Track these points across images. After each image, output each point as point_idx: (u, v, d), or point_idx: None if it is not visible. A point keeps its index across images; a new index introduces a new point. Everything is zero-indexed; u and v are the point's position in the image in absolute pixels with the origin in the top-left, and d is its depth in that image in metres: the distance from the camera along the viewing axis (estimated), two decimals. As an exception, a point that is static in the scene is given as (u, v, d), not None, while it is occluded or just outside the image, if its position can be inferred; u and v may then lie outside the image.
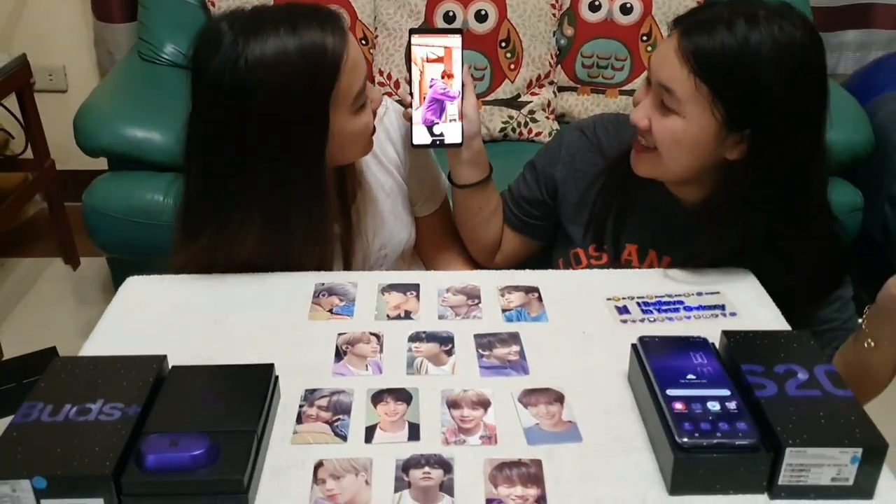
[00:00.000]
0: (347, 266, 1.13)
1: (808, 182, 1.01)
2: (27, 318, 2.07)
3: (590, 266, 1.17)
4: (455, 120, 1.11)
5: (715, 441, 0.70)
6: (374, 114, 1.08)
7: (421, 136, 1.12)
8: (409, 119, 1.12)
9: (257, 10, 0.98)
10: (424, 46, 1.10)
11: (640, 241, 1.13)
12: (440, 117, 1.11)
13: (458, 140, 1.12)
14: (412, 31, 1.11)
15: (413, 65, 1.10)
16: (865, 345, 0.98)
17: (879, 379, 1.00)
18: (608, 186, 1.15)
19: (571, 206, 1.19)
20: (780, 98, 0.94)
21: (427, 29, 1.07)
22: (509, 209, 1.26)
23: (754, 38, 0.93)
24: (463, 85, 1.11)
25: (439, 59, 1.10)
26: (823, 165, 1.03)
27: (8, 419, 0.72)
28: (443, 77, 1.11)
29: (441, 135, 1.12)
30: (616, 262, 1.15)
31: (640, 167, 1.07)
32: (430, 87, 1.11)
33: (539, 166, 1.23)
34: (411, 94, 1.11)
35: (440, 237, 1.32)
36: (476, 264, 1.30)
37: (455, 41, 1.10)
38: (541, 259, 1.28)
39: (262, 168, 0.98)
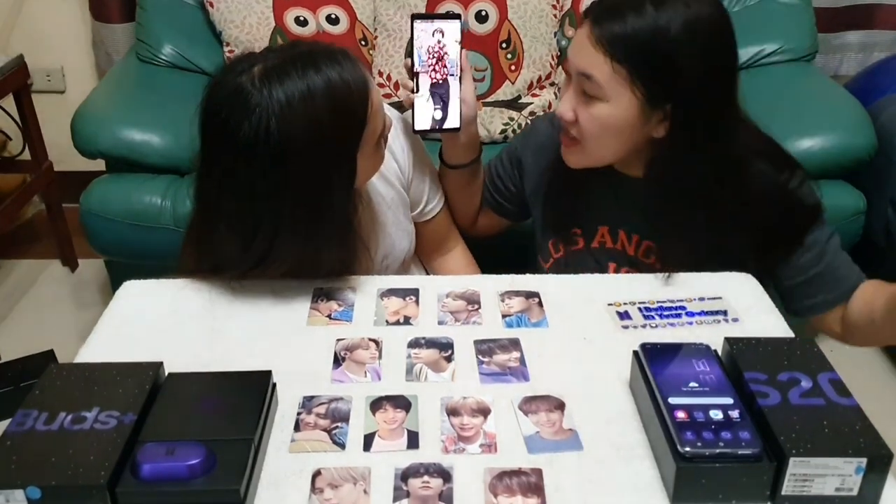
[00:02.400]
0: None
1: (730, 143, 1.04)
2: (25, 320, 2.06)
3: (554, 261, 1.20)
4: (454, 105, 1.13)
5: (717, 451, 0.69)
6: (386, 138, 1.07)
7: (422, 122, 1.14)
8: (411, 105, 1.12)
9: (276, 58, 0.93)
10: (425, 32, 1.12)
11: (609, 224, 1.15)
12: (440, 102, 1.13)
13: (457, 124, 1.14)
14: (414, 17, 1.12)
15: (414, 50, 1.12)
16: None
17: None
18: (556, 180, 1.18)
19: (535, 198, 1.24)
20: (694, 71, 0.98)
21: (428, 15, 1.10)
22: (485, 187, 1.32)
23: (663, 18, 0.96)
24: (461, 70, 1.12)
25: (439, 45, 1.12)
26: (739, 122, 1.06)
27: (6, 422, 0.72)
28: (442, 62, 1.12)
29: (441, 120, 1.14)
30: (586, 249, 1.17)
31: (570, 159, 1.11)
32: (431, 72, 1.12)
33: (512, 151, 1.28)
34: (412, 79, 1.13)
35: (443, 240, 1.32)
36: (477, 269, 1.31)
37: (454, 26, 1.12)
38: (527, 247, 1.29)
39: (291, 212, 0.95)
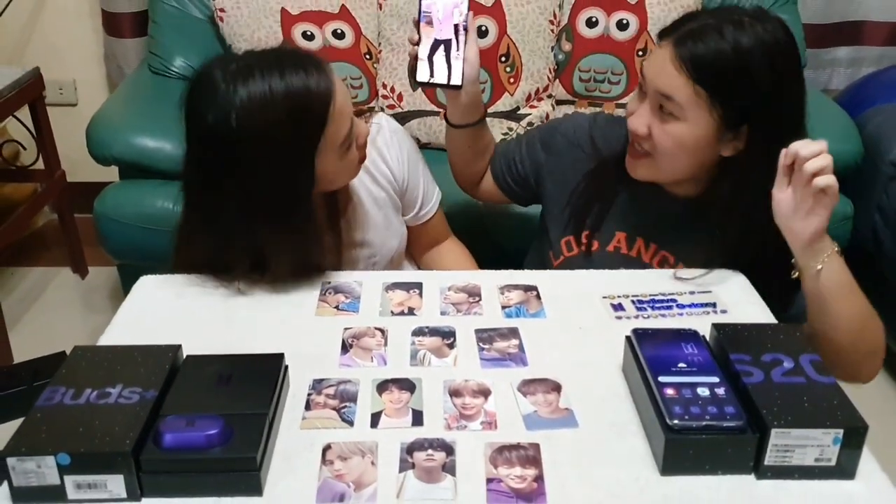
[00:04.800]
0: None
1: None
2: (36, 324, 2.11)
3: (565, 259, 1.23)
4: (457, 63, 1.16)
5: (704, 423, 0.73)
6: (362, 147, 1.11)
7: (424, 73, 1.16)
8: (415, 56, 1.16)
9: (248, 59, 1.00)
10: None
11: (629, 230, 1.19)
12: (443, 59, 1.16)
13: (459, 82, 1.17)
14: None
15: (422, 8, 1.15)
16: (813, 281, 1.00)
17: (841, 311, 1.00)
18: (595, 183, 1.21)
19: (555, 194, 1.26)
20: (771, 93, 1.02)
21: None
22: (498, 162, 1.34)
23: (745, 42, 1.00)
24: (466, 31, 1.16)
25: (446, 5, 1.15)
26: None
27: (20, 421, 0.74)
28: (449, 21, 1.16)
29: (446, 75, 1.16)
30: (601, 251, 1.20)
31: (637, 172, 1.13)
32: (436, 28, 1.15)
33: (535, 143, 1.31)
34: (418, 32, 1.16)
35: (437, 238, 1.36)
36: (468, 254, 1.37)
37: None
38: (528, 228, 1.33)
39: (253, 205, 1.01)
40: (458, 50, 1.16)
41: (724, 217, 1.09)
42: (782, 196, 0.99)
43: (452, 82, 1.17)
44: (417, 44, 1.16)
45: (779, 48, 1.02)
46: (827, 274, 0.99)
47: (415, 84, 1.18)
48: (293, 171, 1.01)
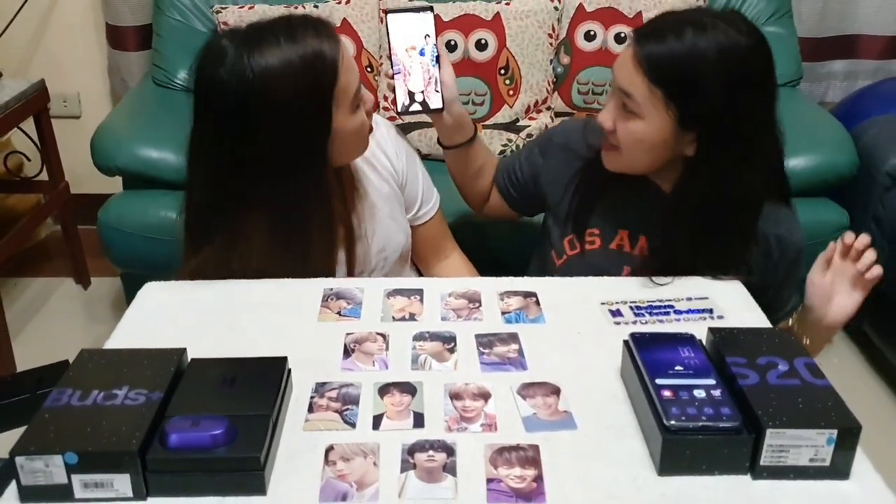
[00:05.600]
0: (350, 268, 1.19)
1: (755, 175, 1.09)
2: (39, 334, 2.12)
3: (568, 258, 1.25)
4: (434, 88, 1.21)
5: (700, 424, 0.74)
6: (369, 115, 1.15)
7: (404, 105, 1.22)
8: (393, 90, 1.21)
9: (255, 25, 1.06)
10: (400, 24, 1.20)
11: (630, 228, 1.21)
12: (421, 87, 1.21)
13: (440, 105, 1.22)
14: (387, 12, 1.21)
15: (391, 42, 1.20)
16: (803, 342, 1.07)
17: None
18: (589, 180, 1.24)
19: (556, 195, 1.28)
20: (725, 99, 1.02)
21: (400, 9, 1.19)
22: (501, 175, 1.37)
23: (701, 44, 1.01)
24: (438, 56, 1.21)
25: (414, 36, 1.20)
26: (770, 162, 1.11)
27: (23, 430, 0.74)
28: (418, 50, 1.21)
29: (423, 101, 1.21)
30: (603, 249, 1.22)
31: (608, 163, 1.17)
32: (409, 60, 1.21)
33: (535, 148, 1.34)
34: (392, 67, 1.21)
35: (439, 245, 1.38)
36: (475, 271, 1.37)
37: (427, 18, 1.20)
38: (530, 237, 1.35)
39: (269, 169, 1.05)
40: (434, 76, 1.20)
41: (688, 215, 1.11)
42: (821, 281, 1.05)
43: (433, 107, 1.22)
44: (394, 77, 1.20)
45: (738, 52, 1.01)
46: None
47: (399, 113, 1.23)
48: (312, 121, 1.05)
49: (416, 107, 1.21)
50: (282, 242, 1.08)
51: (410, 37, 1.20)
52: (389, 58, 1.22)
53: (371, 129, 1.17)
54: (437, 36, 1.21)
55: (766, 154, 1.10)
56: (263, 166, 1.05)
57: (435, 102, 1.21)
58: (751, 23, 1.06)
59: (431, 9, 1.21)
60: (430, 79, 1.20)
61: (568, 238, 1.25)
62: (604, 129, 1.13)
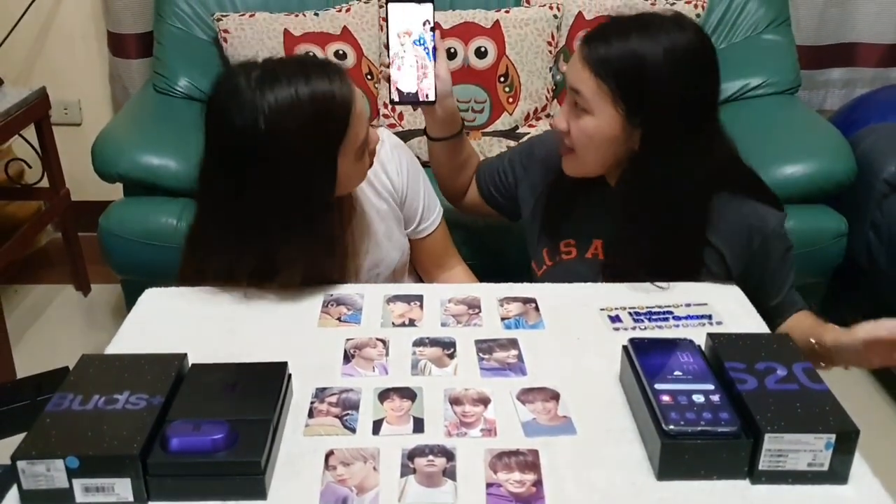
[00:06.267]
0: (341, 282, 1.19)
1: (695, 167, 1.11)
2: (39, 341, 2.12)
3: (547, 269, 1.26)
4: (429, 80, 1.22)
5: (699, 428, 0.75)
6: (372, 154, 1.16)
7: (398, 95, 1.23)
8: (388, 79, 1.22)
9: (272, 66, 1.04)
10: (399, 14, 1.21)
11: (604, 237, 1.22)
12: (415, 78, 1.22)
13: (433, 98, 1.23)
14: (388, 1, 1.22)
15: (389, 31, 1.21)
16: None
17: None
18: (558, 191, 1.26)
19: (533, 206, 1.31)
20: (667, 94, 1.07)
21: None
22: (483, 178, 1.40)
23: (645, 45, 1.06)
24: (435, 49, 1.22)
25: (413, 26, 1.21)
26: (710, 149, 1.13)
27: (21, 436, 0.75)
28: (415, 41, 1.22)
29: (416, 93, 1.23)
30: (579, 259, 1.23)
31: (566, 168, 1.20)
32: (406, 51, 1.22)
33: (518, 156, 1.36)
34: (389, 57, 1.22)
35: (441, 257, 1.38)
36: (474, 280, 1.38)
37: (427, 9, 1.21)
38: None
39: (278, 208, 1.04)
40: (429, 68, 1.22)
41: (630, 209, 1.14)
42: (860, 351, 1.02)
43: (426, 99, 1.23)
44: (389, 66, 1.21)
45: (680, 52, 1.06)
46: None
47: (392, 102, 1.24)
48: (318, 172, 1.06)
49: (409, 97, 1.23)
50: (274, 272, 1.08)
51: (409, 27, 1.21)
52: (387, 46, 1.23)
53: (371, 164, 1.18)
54: (436, 30, 1.22)
55: (712, 144, 1.13)
56: (266, 205, 1.04)
57: (429, 95, 1.23)
58: (694, 22, 1.12)
59: (432, 1, 1.22)
60: (425, 71, 1.22)
61: (545, 249, 1.27)
62: (558, 132, 1.16)
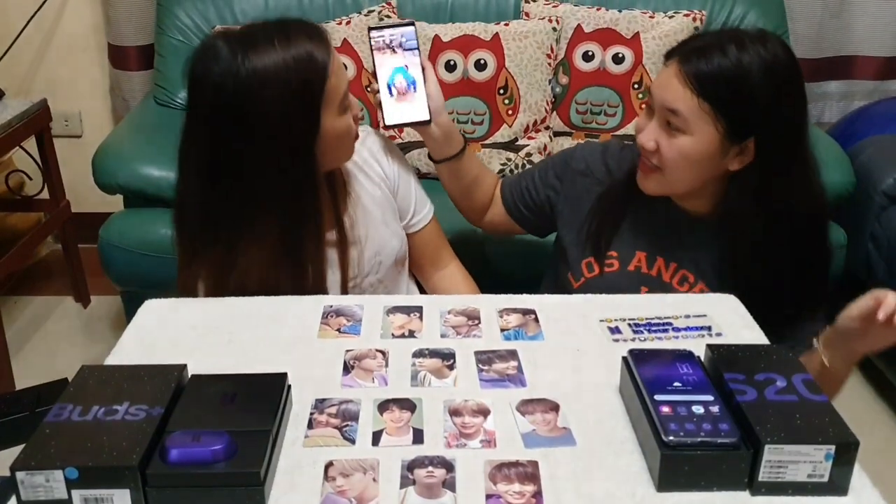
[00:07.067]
0: (343, 271, 1.20)
1: (808, 182, 1.13)
2: (39, 352, 2.12)
3: (586, 280, 1.25)
4: (420, 100, 1.23)
5: (699, 439, 0.75)
6: (356, 120, 1.18)
7: (391, 117, 1.24)
8: (379, 105, 1.23)
9: (250, 26, 1.10)
10: (383, 39, 1.23)
11: (648, 249, 1.22)
12: (405, 100, 1.23)
13: (426, 117, 1.24)
14: (370, 28, 1.24)
15: (374, 56, 1.23)
16: (820, 364, 1.07)
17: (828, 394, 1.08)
18: (609, 204, 1.25)
19: (569, 221, 1.30)
20: (772, 105, 1.08)
21: (383, 25, 1.22)
22: (508, 193, 1.38)
23: (745, 59, 1.07)
24: (423, 68, 1.23)
25: (397, 49, 1.24)
26: (814, 166, 1.15)
27: (20, 447, 0.74)
28: (399, 66, 1.24)
29: (409, 114, 1.23)
30: (622, 271, 1.23)
31: (648, 186, 1.18)
32: (393, 74, 1.23)
33: (550, 171, 1.35)
34: (377, 82, 1.23)
35: (435, 254, 1.39)
36: (473, 282, 1.39)
37: (409, 31, 1.23)
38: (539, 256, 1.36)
39: (260, 165, 1.08)
40: (419, 88, 1.23)
41: (735, 234, 1.14)
42: (856, 327, 1.05)
43: (419, 119, 1.23)
44: (378, 92, 1.23)
45: (778, 65, 1.08)
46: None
47: (385, 127, 1.25)
48: (302, 122, 1.08)
49: (402, 119, 1.23)
50: (274, 244, 1.11)
51: (394, 51, 1.22)
52: (373, 74, 1.24)
53: (357, 136, 1.19)
54: (420, 50, 1.24)
55: (809, 163, 1.14)
56: (254, 163, 1.07)
57: (421, 114, 1.23)
58: (781, 38, 1.13)
59: (413, 23, 1.24)
60: (415, 92, 1.22)
61: (586, 261, 1.26)
62: (644, 151, 1.15)
